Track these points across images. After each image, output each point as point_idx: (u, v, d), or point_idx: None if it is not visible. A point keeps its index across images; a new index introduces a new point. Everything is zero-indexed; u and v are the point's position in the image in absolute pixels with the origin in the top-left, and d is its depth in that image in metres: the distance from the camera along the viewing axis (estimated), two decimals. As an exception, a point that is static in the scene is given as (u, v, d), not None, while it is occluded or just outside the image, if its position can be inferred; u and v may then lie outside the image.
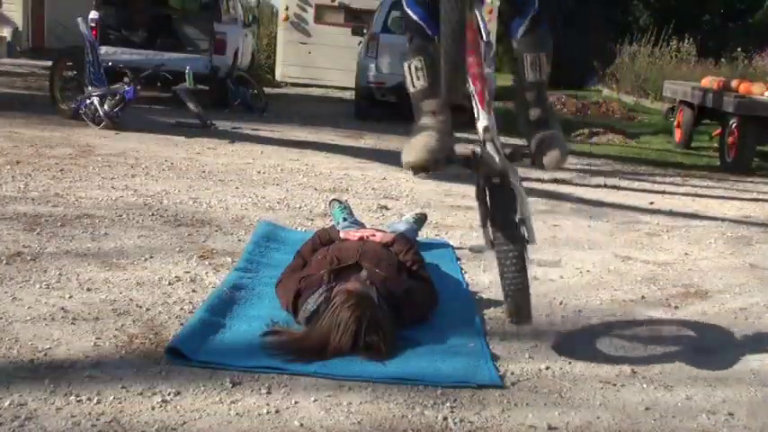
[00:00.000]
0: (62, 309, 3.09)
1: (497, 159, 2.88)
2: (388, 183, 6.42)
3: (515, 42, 3.04)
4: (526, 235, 2.93)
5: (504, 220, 2.90)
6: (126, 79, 8.10)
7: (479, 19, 3.05)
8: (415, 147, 2.89)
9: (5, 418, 2.25)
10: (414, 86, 2.97)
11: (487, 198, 2.97)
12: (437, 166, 2.91)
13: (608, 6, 22.67)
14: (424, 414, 2.48)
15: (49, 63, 9.58)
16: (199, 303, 3.23)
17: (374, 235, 3.66)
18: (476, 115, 2.95)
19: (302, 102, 13.33)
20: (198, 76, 9.45)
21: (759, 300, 4.00)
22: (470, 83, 2.92)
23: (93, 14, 10.07)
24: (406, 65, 2.96)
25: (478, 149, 2.92)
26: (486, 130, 2.88)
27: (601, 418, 2.57)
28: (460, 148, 2.99)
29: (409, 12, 3.03)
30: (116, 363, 2.66)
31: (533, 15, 3.01)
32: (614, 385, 2.82)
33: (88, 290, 3.35)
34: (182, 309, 3.21)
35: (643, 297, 3.90)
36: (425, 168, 2.91)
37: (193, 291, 3.43)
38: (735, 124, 8.84)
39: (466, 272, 4.04)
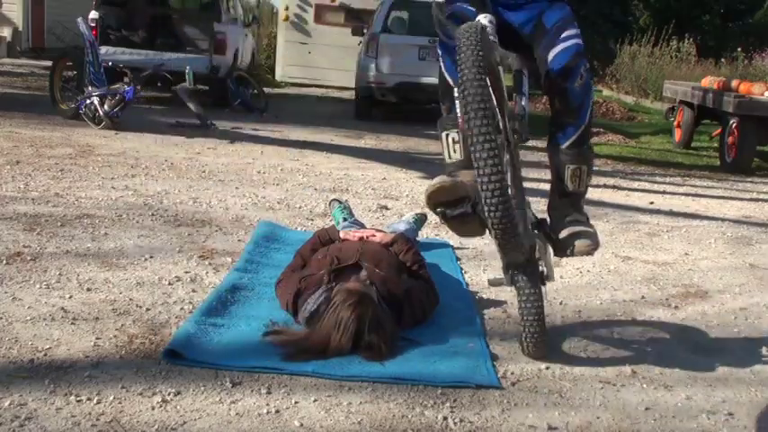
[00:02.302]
0: (62, 309, 3.09)
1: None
2: (388, 183, 6.42)
3: (557, 150, 2.99)
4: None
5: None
6: (126, 79, 8.10)
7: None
8: (439, 178, 2.86)
9: (5, 418, 2.25)
10: (450, 158, 2.96)
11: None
12: (456, 191, 2.80)
13: (608, 6, 22.68)
14: (424, 414, 2.48)
15: (49, 63, 9.58)
16: (199, 303, 3.23)
17: (374, 235, 3.66)
18: None
19: (302, 102, 13.33)
20: (198, 75, 9.46)
21: (759, 300, 4.00)
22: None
23: (93, 14, 10.08)
24: (444, 134, 2.94)
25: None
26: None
27: (601, 418, 2.57)
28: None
29: (446, 75, 2.93)
30: (116, 363, 2.66)
31: (584, 128, 2.97)
32: (614, 385, 2.82)
33: (88, 290, 3.35)
34: (182, 309, 3.20)
35: (643, 297, 3.90)
36: (444, 192, 2.80)
37: (193, 291, 3.43)
38: (735, 124, 8.84)
39: (466, 272, 4.04)
